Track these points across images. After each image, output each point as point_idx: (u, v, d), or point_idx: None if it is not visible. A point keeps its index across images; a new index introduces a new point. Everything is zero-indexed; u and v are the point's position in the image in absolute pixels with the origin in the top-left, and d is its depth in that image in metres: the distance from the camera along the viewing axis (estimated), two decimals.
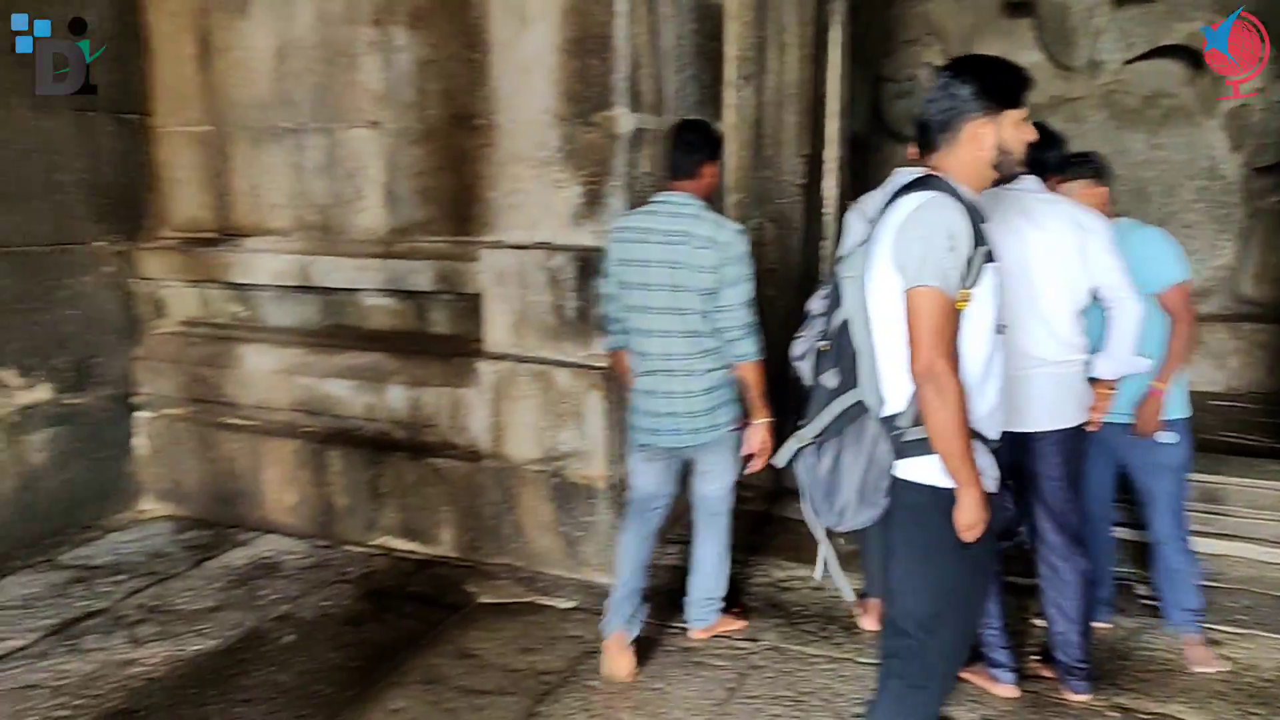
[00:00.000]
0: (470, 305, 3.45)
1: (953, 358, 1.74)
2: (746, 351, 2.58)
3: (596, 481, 3.22)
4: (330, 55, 3.68)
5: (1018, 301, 2.32)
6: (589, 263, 3.18)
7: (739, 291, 2.56)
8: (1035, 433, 2.47)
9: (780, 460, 2.01)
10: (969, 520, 1.77)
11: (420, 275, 3.51)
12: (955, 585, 1.87)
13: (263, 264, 3.76)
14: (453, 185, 3.56)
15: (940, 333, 1.74)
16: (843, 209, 4.26)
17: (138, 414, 3.91)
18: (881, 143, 6.47)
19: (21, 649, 2.82)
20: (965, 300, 1.76)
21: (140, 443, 3.92)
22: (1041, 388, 2.44)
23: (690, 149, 2.65)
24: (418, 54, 3.54)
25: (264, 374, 3.73)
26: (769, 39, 4.04)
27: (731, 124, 4.01)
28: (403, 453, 3.49)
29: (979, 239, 1.77)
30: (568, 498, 3.26)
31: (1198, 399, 2.86)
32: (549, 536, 3.31)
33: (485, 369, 3.33)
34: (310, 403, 3.67)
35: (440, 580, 3.29)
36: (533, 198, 3.37)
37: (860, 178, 5.78)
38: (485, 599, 3.15)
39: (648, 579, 2.79)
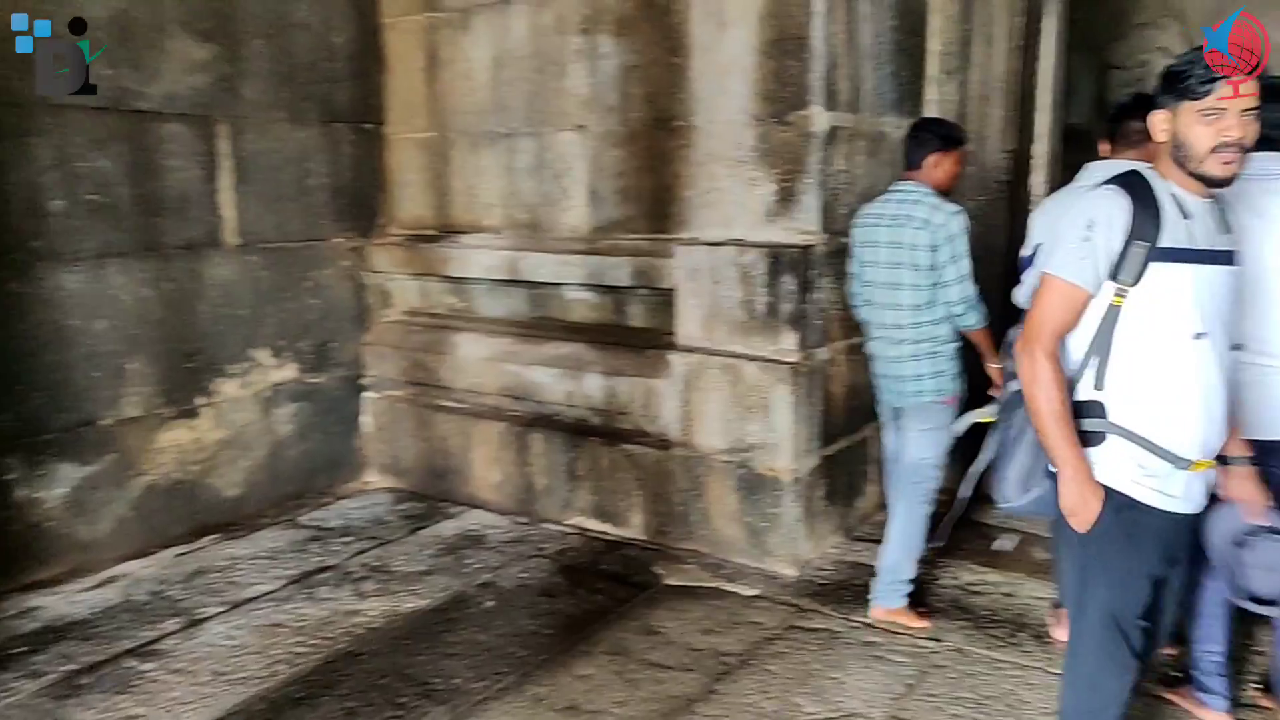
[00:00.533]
0: (665, 300, 3.59)
1: (1054, 345, 1.81)
2: (971, 321, 2.86)
3: (782, 474, 3.28)
4: (541, 64, 3.93)
5: (1257, 299, 2.14)
6: (780, 259, 3.25)
7: (957, 268, 2.83)
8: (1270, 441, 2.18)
9: (958, 428, 2.18)
10: (1066, 506, 1.83)
11: (619, 270, 3.69)
12: (1098, 577, 1.88)
13: (476, 259, 4.07)
14: (651, 185, 3.71)
15: (1045, 320, 1.82)
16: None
17: (365, 394, 4.33)
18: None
19: (269, 593, 3.21)
20: (1120, 296, 1.77)
21: (367, 420, 4.34)
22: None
23: (918, 143, 2.98)
24: (622, 60, 3.72)
25: (475, 361, 4.04)
26: (974, 32, 3.94)
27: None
28: (598, 438, 3.68)
29: (1141, 233, 1.74)
30: (753, 489, 3.34)
31: None
32: (734, 525, 3.40)
33: (677, 361, 3.47)
34: (515, 388, 3.94)
35: (629, 560, 3.45)
36: (727, 196, 3.47)
37: (1076, 172, 5.49)
38: (671, 581, 3.28)
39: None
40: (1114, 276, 1.76)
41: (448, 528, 3.82)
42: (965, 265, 2.83)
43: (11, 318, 3.17)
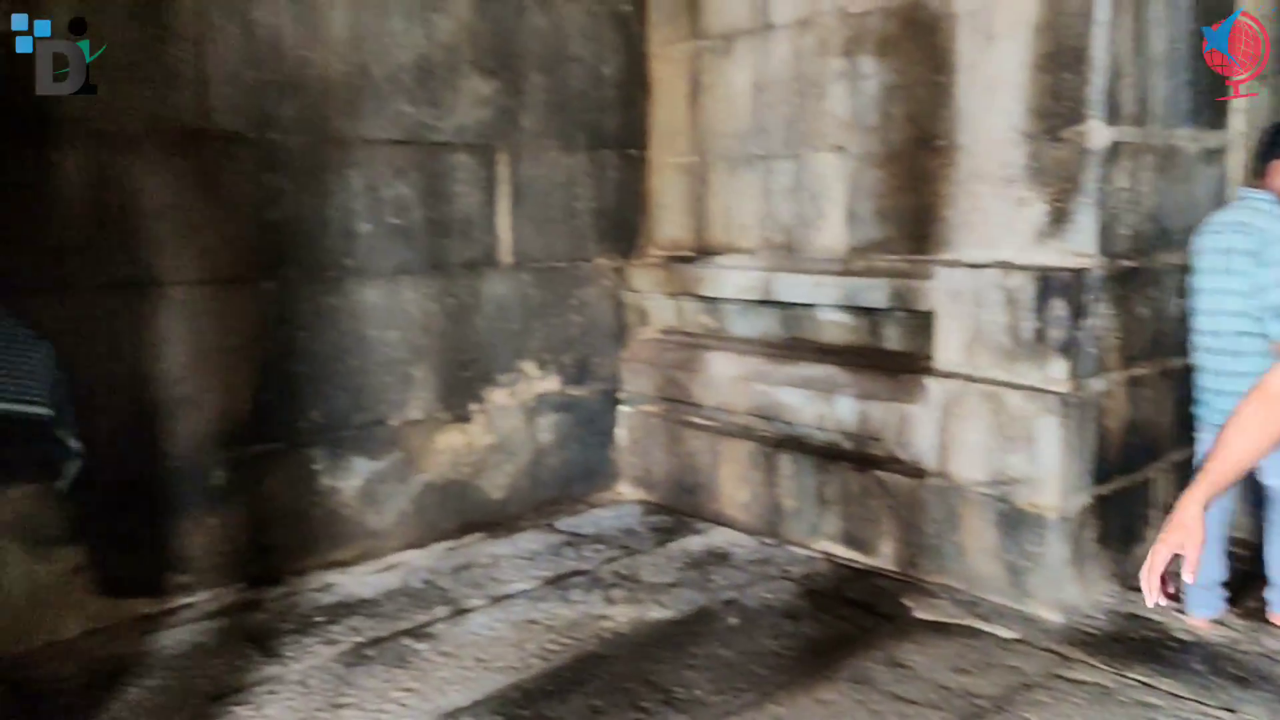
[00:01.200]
0: (922, 323, 3.48)
1: None
2: (1273, 331, 2.78)
3: (1047, 511, 3.07)
4: (801, 87, 3.95)
5: None
6: (1050, 283, 3.06)
7: (1273, 274, 2.78)
8: None
9: None
10: None
11: (874, 292, 3.62)
12: None
13: (730, 279, 4.14)
14: (911, 205, 3.62)
15: None
16: None
17: (621, 408, 4.52)
18: None
19: (525, 591, 3.42)
20: None
21: (621, 433, 4.52)
22: None
23: (1259, 151, 3.02)
24: (883, 80, 3.67)
25: (726, 379, 4.11)
26: None
27: (1239, 131, 3.58)
28: (848, 463, 3.62)
29: None
30: (1014, 525, 3.15)
31: None
32: (992, 562, 3.22)
33: (934, 386, 3.34)
34: (765, 408, 3.95)
35: (877, 590, 3.36)
36: (992, 216, 3.32)
37: None
38: (920, 614, 3.16)
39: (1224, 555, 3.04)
40: None
41: (695, 543, 3.89)
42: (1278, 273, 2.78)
43: (325, 327, 3.60)
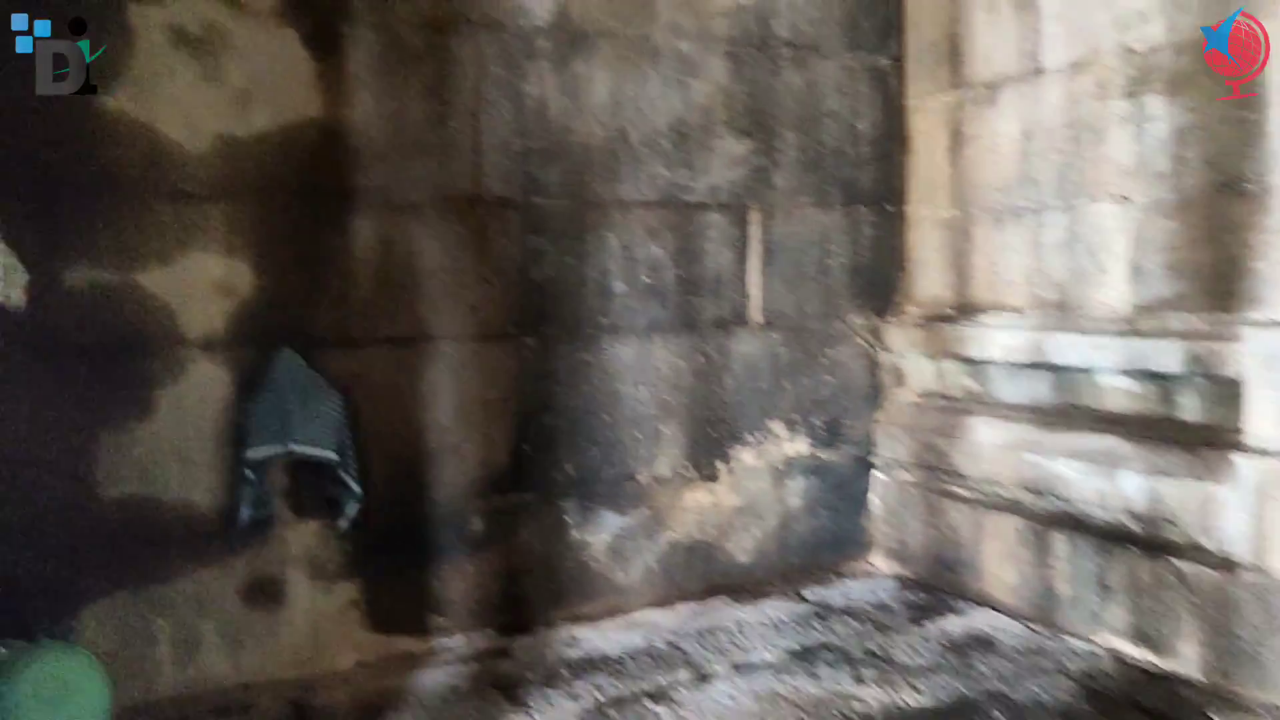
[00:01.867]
0: (1226, 391, 3.05)
1: None
2: None
3: None
4: (1076, 133, 3.64)
5: None
6: None
7: None
8: None
9: None
10: None
11: (1166, 355, 3.22)
12: None
13: (996, 339, 3.85)
14: (1210, 258, 3.21)
15: None
16: None
17: (874, 474, 4.30)
18: None
19: (769, 662, 3.28)
20: None
21: (874, 501, 4.30)
22: None
23: None
24: (1175, 122, 3.30)
25: (990, 447, 3.80)
26: None
27: None
28: (1136, 548, 3.21)
29: None
30: None
31: None
32: None
33: (1244, 465, 2.90)
34: (1036, 481, 3.61)
35: (1176, 699, 2.92)
36: None
37: None
38: None
39: None
40: None
41: (954, 624, 3.60)
42: None
43: (579, 382, 3.71)
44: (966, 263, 4.14)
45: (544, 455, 3.66)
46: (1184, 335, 3.21)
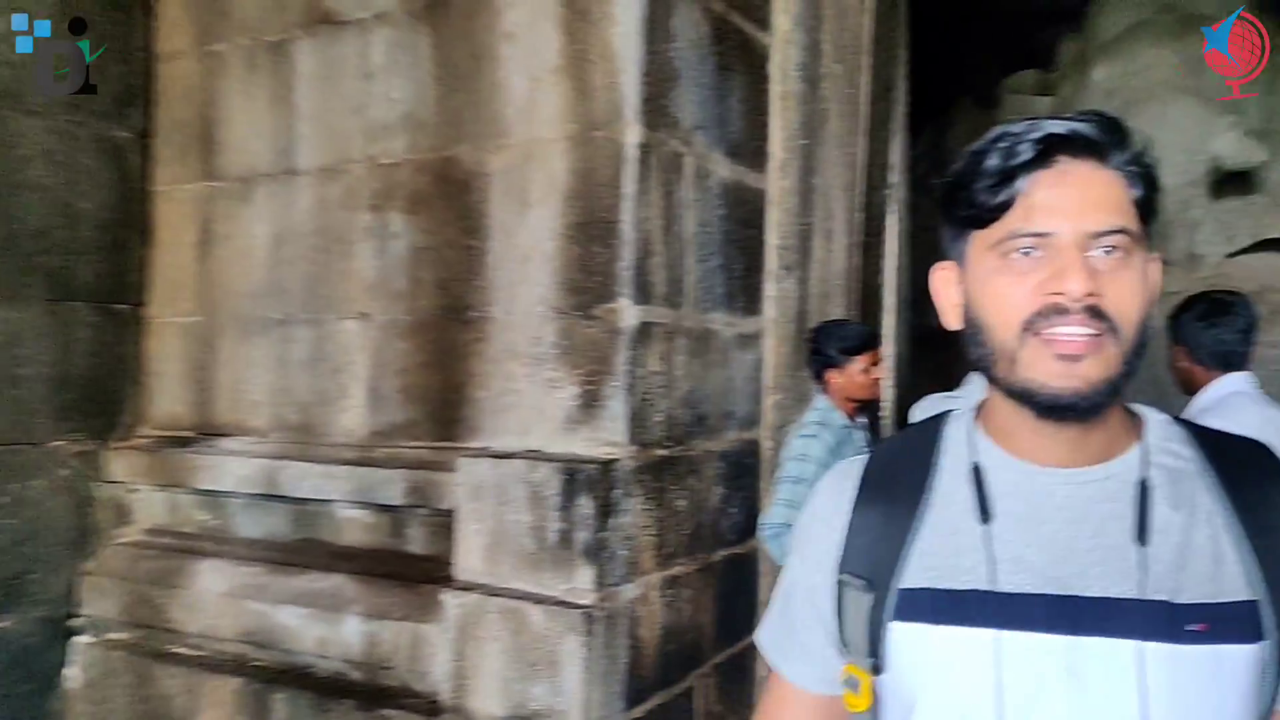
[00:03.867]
0: (445, 523, 2.93)
1: None
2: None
3: None
4: (326, 242, 3.39)
5: None
6: (576, 477, 2.65)
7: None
8: None
9: None
10: None
11: (391, 486, 3.02)
12: None
13: (232, 468, 3.35)
14: (440, 383, 3.13)
15: None
16: (903, 412, 3.69)
17: (75, 640, 3.40)
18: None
19: None
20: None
21: (72, 675, 3.39)
22: None
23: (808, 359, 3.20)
24: (413, 240, 3.22)
25: (213, 596, 3.22)
26: (815, 226, 3.63)
27: (771, 318, 3.56)
28: (354, 699, 2.87)
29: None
30: None
31: None
32: None
33: (451, 601, 2.75)
34: (259, 632, 3.11)
35: None
36: (525, 399, 2.92)
37: (944, 370, 5.22)
38: None
39: None
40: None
41: None
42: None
43: None
44: (210, 378, 3.60)
45: None
46: (411, 464, 3.05)
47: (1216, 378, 2.47)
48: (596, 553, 2.62)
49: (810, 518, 1.01)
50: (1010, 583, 0.87)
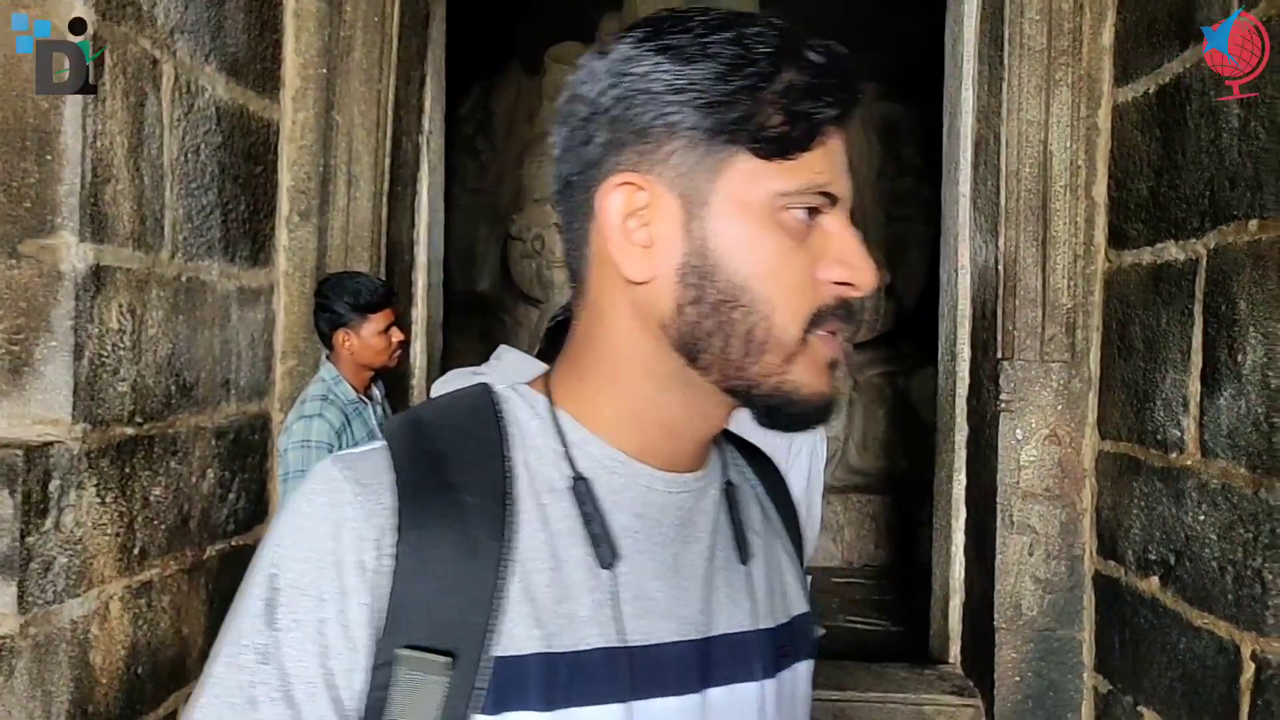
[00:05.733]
0: None
1: None
2: None
3: None
4: None
5: None
6: None
7: None
8: None
9: None
10: None
11: None
12: None
13: None
14: None
15: None
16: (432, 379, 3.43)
17: None
18: (514, 304, 5.85)
19: None
20: None
21: None
22: None
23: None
24: None
25: None
26: (336, 168, 3.20)
27: (284, 271, 3.11)
28: None
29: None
30: None
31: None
32: None
33: None
34: None
35: None
36: None
37: (487, 338, 5.09)
38: None
39: None
40: None
41: None
42: None
43: None
44: None
45: None
46: None
47: None
48: (20, 566, 1.99)
49: (307, 563, 0.59)
50: (638, 631, 0.63)
